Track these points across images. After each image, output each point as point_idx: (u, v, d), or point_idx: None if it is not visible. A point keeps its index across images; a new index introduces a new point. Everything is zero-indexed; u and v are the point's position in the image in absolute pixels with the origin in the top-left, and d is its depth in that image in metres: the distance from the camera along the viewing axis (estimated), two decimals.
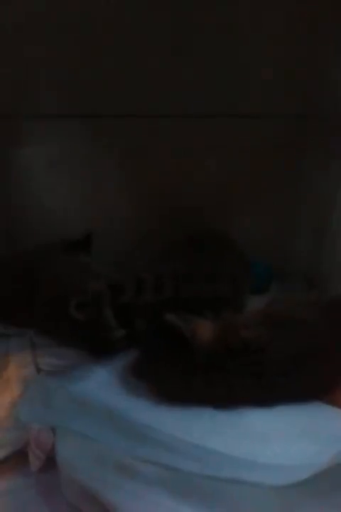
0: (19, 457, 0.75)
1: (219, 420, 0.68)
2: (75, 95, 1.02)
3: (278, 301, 0.91)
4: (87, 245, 1.06)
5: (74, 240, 1.05)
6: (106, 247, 1.08)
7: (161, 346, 0.75)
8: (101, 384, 0.75)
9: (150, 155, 1.09)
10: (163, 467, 0.63)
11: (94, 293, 0.85)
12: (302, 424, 0.68)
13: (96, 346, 0.83)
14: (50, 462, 0.71)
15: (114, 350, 0.83)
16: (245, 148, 1.10)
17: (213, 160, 1.10)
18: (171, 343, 0.74)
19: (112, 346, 0.83)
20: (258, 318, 0.78)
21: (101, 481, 0.64)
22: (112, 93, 1.03)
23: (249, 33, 0.99)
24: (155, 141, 1.07)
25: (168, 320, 0.75)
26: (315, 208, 1.17)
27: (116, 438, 0.66)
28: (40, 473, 0.73)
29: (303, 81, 1.04)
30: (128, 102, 1.03)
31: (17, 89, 1.01)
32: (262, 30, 0.99)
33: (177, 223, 1.10)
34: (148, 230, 1.12)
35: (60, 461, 0.69)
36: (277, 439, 0.65)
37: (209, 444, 0.64)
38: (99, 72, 1.01)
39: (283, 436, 0.66)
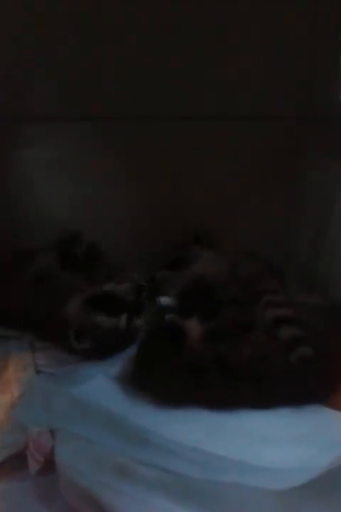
0: (18, 460, 0.74)
1: (218, 424, 0.68)
2: (74, 97, 1.03)
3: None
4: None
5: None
6: (105, 248, 1.09)
7: (157, 349, 0.76)
8: (101, 387, 0.75)
9: (150, 156, 1.09)
10: (162, 470, 0.63)
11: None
12: (302, 427, 0.68)
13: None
14: (49, 465, 0.71)
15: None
16: (244, 149, 1.10)
17: (212, 161, 1.10)
18: (167, 345, 0.75)
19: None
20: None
21: (100, 484, 0.64)
22: (111, 95, 1.03)
23: (247, 34, 1.00)
24: (154, 143, 1.07)
25: (168, 319, 0.77)
26: (314, 209, 1.17)
27: (116, 441, 0.66)
28: (39, 476, 0.72)
29: (302, 82, 1.04)
30: (127, 104, 1.03)
31: (16, 91, 1.01)
32: (261, 31, 0.99)
33: (178, 224, 1.11)
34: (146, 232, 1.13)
35: (59, 464, 0.68)
36: (276, 443, 0.65)
37: (208, 448, 0.64)
38: (98, 74, 1.01)
39: (283, 440, 0.66)
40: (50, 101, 1.03)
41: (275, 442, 0.66)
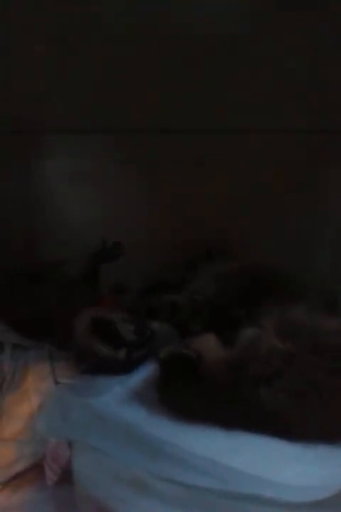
0: (35, 471, 0.74)
1: (236, 438, 0.67)
2: (96, 110, 1.05)
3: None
4: (114, 254, 1.09)
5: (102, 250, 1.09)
6: (125, 259, 1.09)
7: (178, 364, 0.75)
8: (120, 399, 0.75)
9: (170, 169, 1.10)
10: (180, 484, 0.62)
11: None
12: (320, 446, 0.67)
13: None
14: (67, 476, 0.70)
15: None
16: (263, 163, 1.10)
17: (232, 175, 1.10)
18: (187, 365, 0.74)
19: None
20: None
21: (117, 497, 0.63)
22: (133, 108, 1.04)
23: (260, 47, 1.00)
24: (174, 155, 1.08)
25: (169, 353, 0.75)
26: (330, 220, 1.16)
27: (134, 454, 0.66)
28: (56, 488, 0.72)
29: (316, 95, 1.04)
30: (148, 118, 1.05)
31: (39, 104, 1.03)
32: (276, 44, 1.00)
33: (196, 236, 1.11)
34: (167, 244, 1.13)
35: (76, 476, 0.68)
36: (293, 460, 0.64)
37: (227, 462, 0.63)
38: (120, 87, 1.03)
39: (300, 458, 0.65)
40: (73, 114, 1.06)
41: (291, 460, 0.64)
